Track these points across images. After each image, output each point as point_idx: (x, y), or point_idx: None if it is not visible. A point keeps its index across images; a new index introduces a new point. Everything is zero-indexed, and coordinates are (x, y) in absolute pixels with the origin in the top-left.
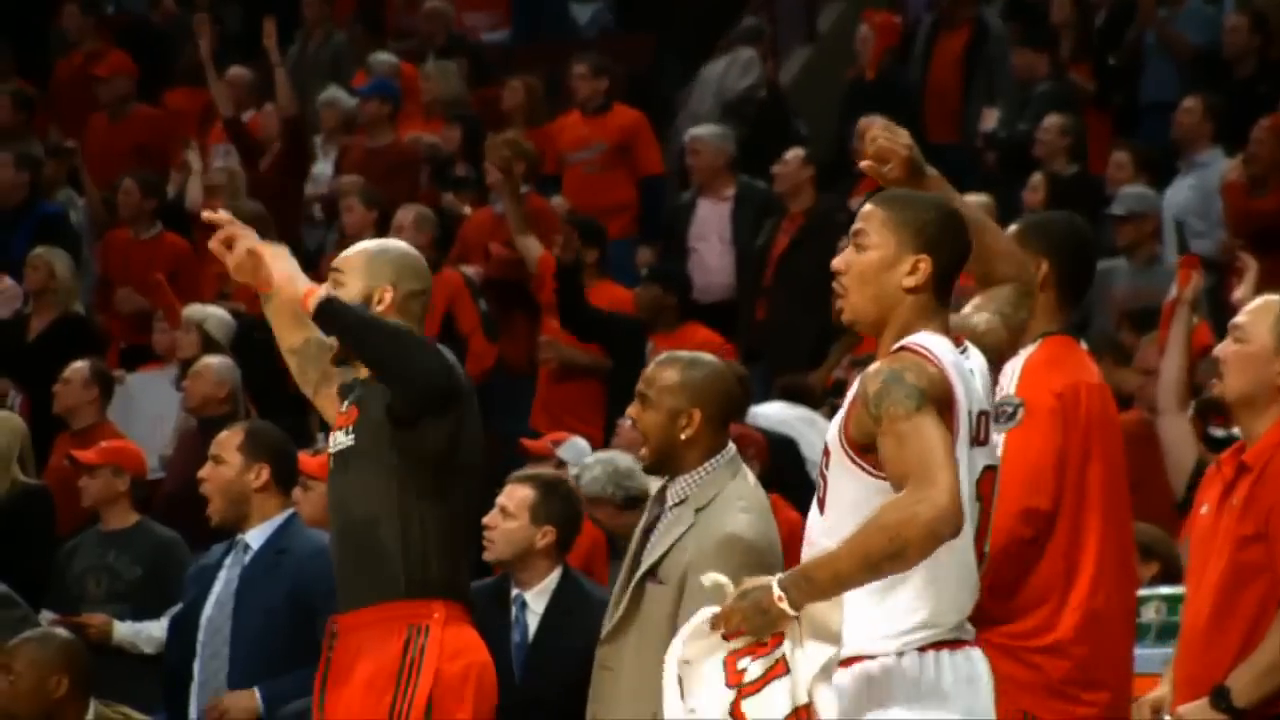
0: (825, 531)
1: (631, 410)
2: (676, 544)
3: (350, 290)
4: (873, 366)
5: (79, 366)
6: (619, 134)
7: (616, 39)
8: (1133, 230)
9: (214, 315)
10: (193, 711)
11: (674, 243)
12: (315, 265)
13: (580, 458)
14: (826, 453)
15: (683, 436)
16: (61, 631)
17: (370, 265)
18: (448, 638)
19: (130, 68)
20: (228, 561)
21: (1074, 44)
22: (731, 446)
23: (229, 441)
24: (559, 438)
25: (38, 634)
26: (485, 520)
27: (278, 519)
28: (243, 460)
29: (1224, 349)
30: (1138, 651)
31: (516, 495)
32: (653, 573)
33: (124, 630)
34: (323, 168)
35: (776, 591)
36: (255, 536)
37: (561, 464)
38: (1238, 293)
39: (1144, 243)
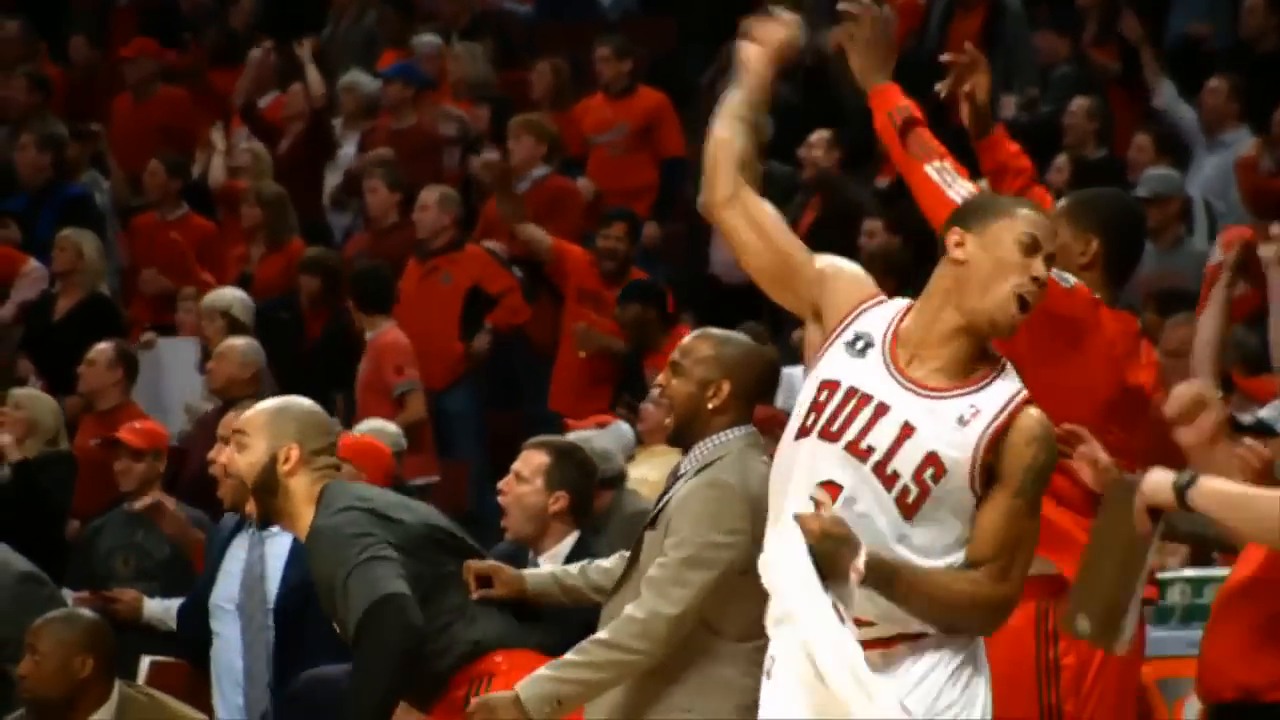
0: (902, 539)
1: (661, 378)
2: (671, 498)
3: (255, 451)
4: (1043, 425)
5: (103, 348)
6: (643, 116)
7: (640, 21)
8: (1157, 212)
9: (237, 299)
10: (235, 701)
11: (701, 222)
12: (340, 247)
13: (623, 443)
14: (933, 462)
15: (710, 406)
16: (86, 612)
17: (273, 425)
18: None
19: (154, 49)
20: (240, 543)
21: (1098, 26)
22: (751, 427)
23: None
24: (603, 420)
25: (62, 614)
26: (500, 486)
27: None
28: None
29: None
30: (1162, 634)
31: (532, 461)
32: (652, 524)
33: (154, 607)
34: (345, 151)
35: None
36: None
37: None
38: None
39: (1169, 225)
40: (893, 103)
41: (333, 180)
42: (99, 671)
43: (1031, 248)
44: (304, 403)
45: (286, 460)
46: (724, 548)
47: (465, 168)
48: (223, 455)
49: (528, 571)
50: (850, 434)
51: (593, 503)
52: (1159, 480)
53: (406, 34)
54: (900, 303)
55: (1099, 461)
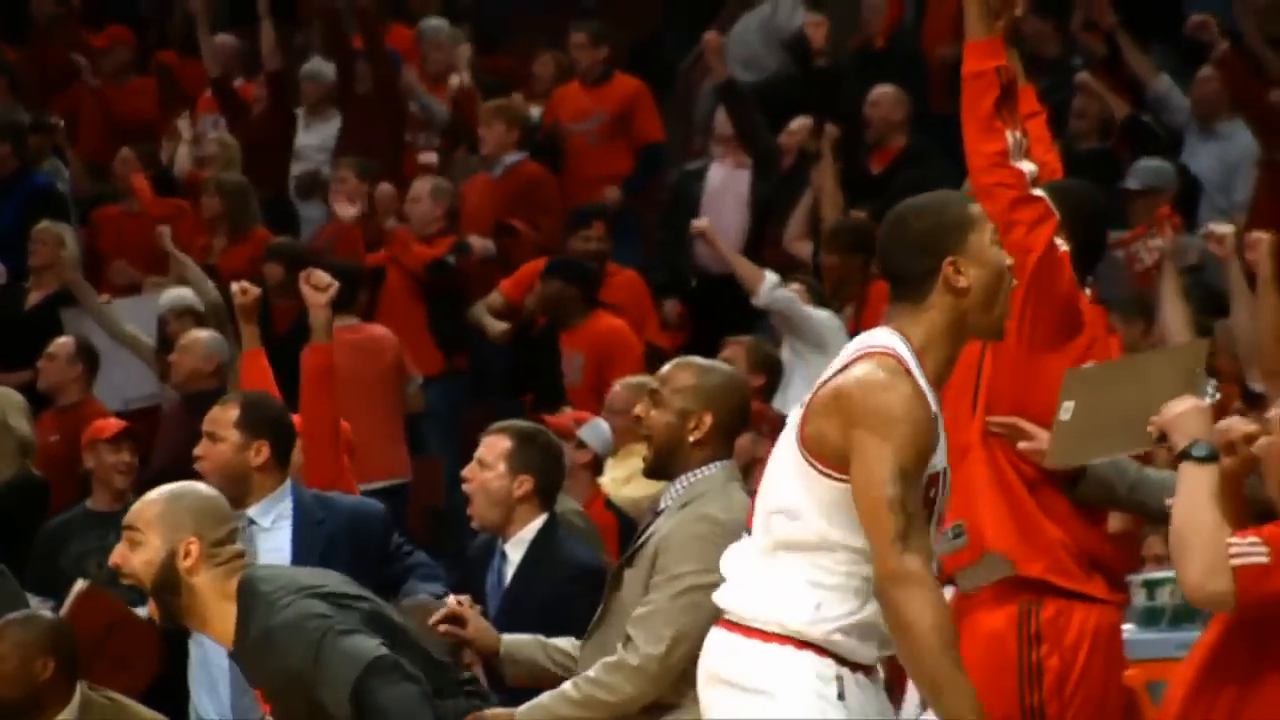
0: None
1: (640, 409)
2: (653, 533)
3: (149, 548)
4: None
5: (64, 342)
6: (620, 104)
7: (619, 5)
8: (1148, 205)
9: (192, 297)
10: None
11: (682, 210)
12: (297, 233)
13: (600, 439)
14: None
15: (691, 439)
16: (46, 613)
17: (166, 519)
18: None
19: (127, 38)
20: None
21: (1087, 13)
22: (731, 460)
23: (224, 418)
24: (581, 417)
25: (22, 616)
26: (463, 473)
27: (282, 493)
28: (241, 437)
29: None
30: (1151, 636)
31: (495, 446)
32: (630, 562)
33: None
34: (305, 140)
35: None
36: (259, 512)
37: (582, 445)
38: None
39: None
40: (1000, 58)
41: (300, 169)
42: (60, 673)
43: (996, 236)
44: (199, 490)
45: (186, 556)
46: (715, 587)
47: (446, 155)
48: (115, 555)
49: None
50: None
51: (559, 485)
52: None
53: (381, 17)
54: (891, 341)
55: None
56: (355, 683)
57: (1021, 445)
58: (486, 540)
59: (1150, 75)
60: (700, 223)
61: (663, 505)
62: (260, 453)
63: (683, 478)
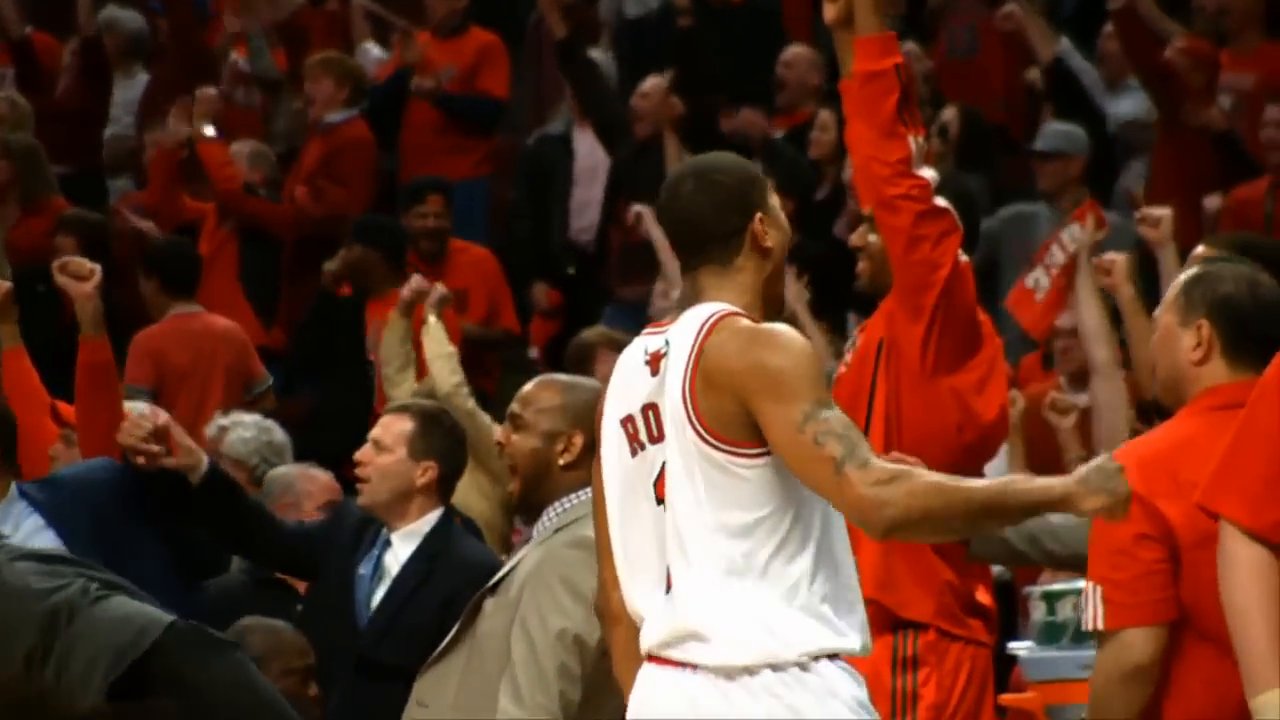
0: None
1: (500, 434)
2: (521, 561)
3: None
4: None
5: None
6: (473, 57)
7: None
8: (1057, 171)
9: None
10: None
11: (545, 181)
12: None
13: None
14: None
15: (561, 463)
16: None
17: None
18: None
19: None
20: None
21: None
22: None
23: None
24: None
25: None
26: (357, 456)
27: (13, 497)
28: None
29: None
30: (1051, 654)
31: (393, 427)
32: (494, 590)
33: None
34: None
35: None
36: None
37: None
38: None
39: (1068, 187)
40: (897, 54)
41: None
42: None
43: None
44: None
45: None
46: (596, 624)
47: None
48: None
49: None
50: None
51: (462, 474)
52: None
53: None
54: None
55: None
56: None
57: None
58: (362, 520)
59: (1049, 43)
60: (639, 208)
61: (535, 533)
62: None
63: (554, 505)
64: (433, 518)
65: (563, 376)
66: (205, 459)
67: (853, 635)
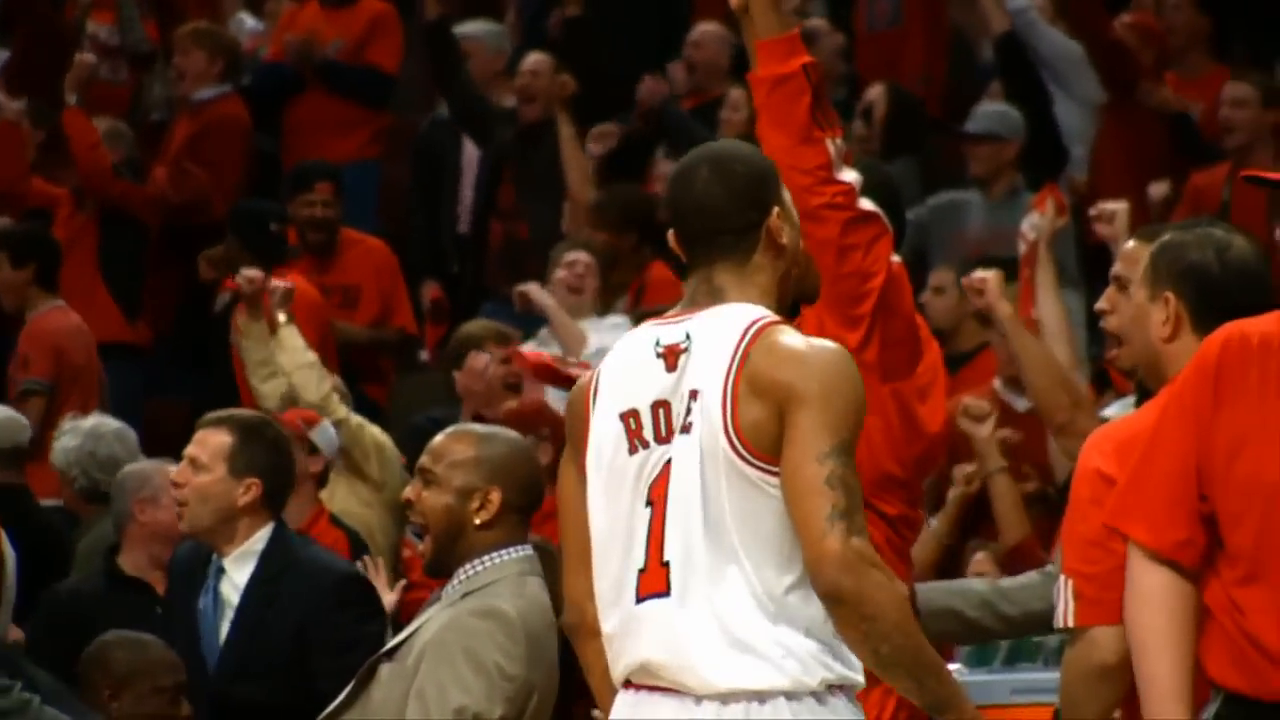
0: None
1: (409, 491)
2: (424, 625)
3: None
4: None
5: None
6: (364, 29)
7: None
8: (990, 155)
9: None
10: None
11: (435, 170)
12: None
13: (331, 445)
14: None
15: (477, 521)
16: None
17: None
18: None
19: None
20: None
21: None
22: (529, 548)
23: None
24: (310, 416)
25: None
26: (173, 477)
27: None
28: None
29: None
30: (983, 677)
31: (210, 442)
32: (391, 655)
33: None
34: None
35: None
36: None
37: (314, 450)
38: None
39: (1002, 172)
40: (803, 53)
41: None
42: None
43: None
44: None
45: None
46: (498, 701)
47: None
48: None
49: None
50: None
51: (291, 486)
52: None
53: None
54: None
55: None
56: None
57: None
58: (190, 551)
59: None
60: (525, 287)
61: (442, 594)
62: None
63: (465, 567)
64: (265, 534)
65: (478, 426)
66: None
67: (860, 669)
